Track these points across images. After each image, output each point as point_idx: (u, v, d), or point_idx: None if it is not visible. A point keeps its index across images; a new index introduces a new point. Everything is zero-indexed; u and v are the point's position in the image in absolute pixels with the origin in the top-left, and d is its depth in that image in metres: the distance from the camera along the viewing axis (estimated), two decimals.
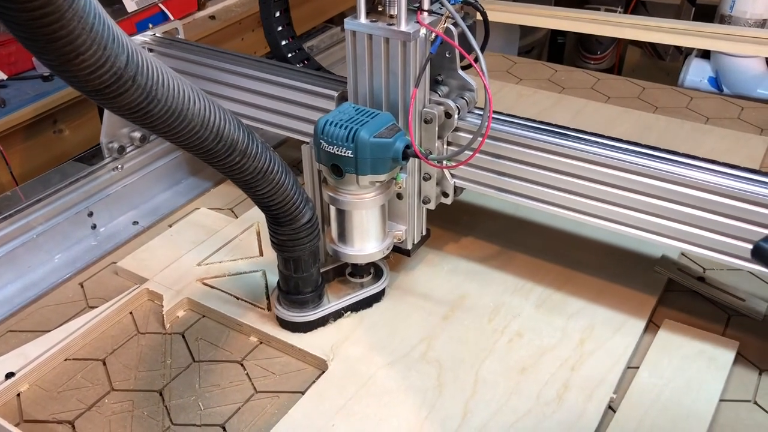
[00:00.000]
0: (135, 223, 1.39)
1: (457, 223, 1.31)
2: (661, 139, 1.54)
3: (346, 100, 1.10)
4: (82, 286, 1.22)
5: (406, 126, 1.03)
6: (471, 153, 1.00)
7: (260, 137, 0.92)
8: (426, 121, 1.06)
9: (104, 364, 1.07)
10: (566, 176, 1.04)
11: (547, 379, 1.01)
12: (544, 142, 1.04)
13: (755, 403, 0.99)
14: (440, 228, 1.29)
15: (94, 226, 1.35)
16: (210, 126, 0.83)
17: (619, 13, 2.48)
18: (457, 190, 1.15)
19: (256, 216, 1.31)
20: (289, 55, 1.50)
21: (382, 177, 1.00)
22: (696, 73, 1.94)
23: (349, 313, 1.12)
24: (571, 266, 1.21)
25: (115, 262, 1.26)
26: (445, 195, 1.14)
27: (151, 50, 1.37)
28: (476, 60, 0.96)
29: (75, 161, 1.41)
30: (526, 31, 2.59)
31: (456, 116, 1.06)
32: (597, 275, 1.18)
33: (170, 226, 1.36)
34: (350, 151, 0.96)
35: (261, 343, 1.10)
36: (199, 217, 1.37)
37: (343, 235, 1.08)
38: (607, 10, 2.44)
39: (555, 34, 2.83)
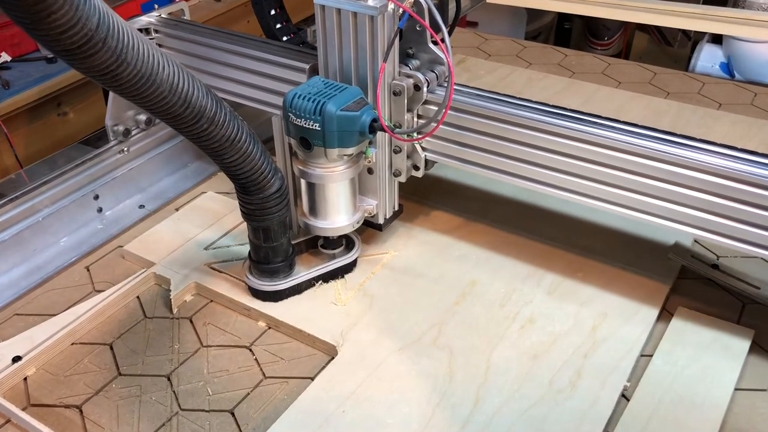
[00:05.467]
0: (141, 206, 1.37)
1: (463, 208, 1.30)
2: (673, 124, 1.53)
3: (318, 73, 1.10)
4: (88, 270, 1.21)
5: (375, 100, 1.03)
6: (435, 125, 1.00)
7: (229, 106, 0.92)
8: (395, 94, 1.06)
9: (111, 348, 1.06)
10: (546, 152, 1.04)
11: (559, 366, 1.00)
12: (514, 116, 1.04)
13: None
14: (446, 212, 1.28)
15: (100, 210, 1.34)
16: (178, 92, 0.83)
17: None
18: (428, 163, 1.16)
19: None
20: (284, 38, 1.47)
21: (350, 150, 1.01)
22: (707, 58, 1.92)
23: (320, 282, 1.14)
24: (582, 252, 1.19)
25: (121, 246, 1.24)
26: (416, 168, 1.15)
27: (156, 31, 1.35)
28: (443, 38, 0.96)
29: (80, 144, 1.39)
30: (532, 15, 2.57)
31: (425, 89, 1.07)
32: (609, 262, 1.17)
33: (177, 209, 1.34)
34: (317, 124, 0.97)
35: (269, 328, 1.09)
36: (206, 200, 1.36)
37: (313, 209, 1.10)
38: None
39: (562, 19, 2.80)
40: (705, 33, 1.98)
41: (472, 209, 1.30)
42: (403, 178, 1.15)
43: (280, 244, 1.07)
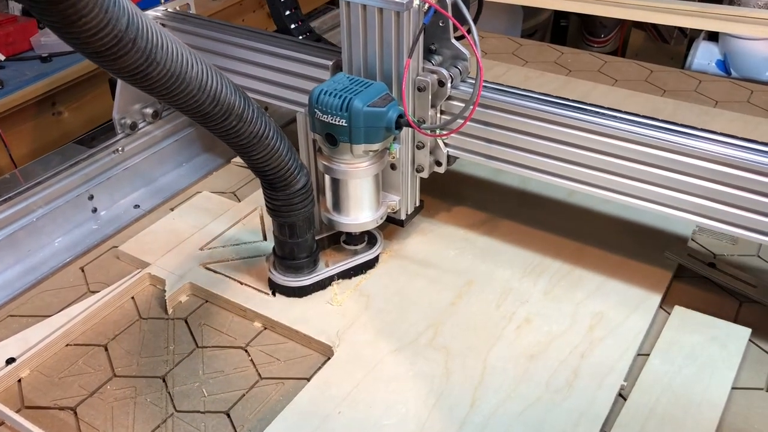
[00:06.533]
0: (136, 206, 1.37)
1: (464, 197, 1.30)
2: None
3: (341, 69, 1.11)
4: (82, 271, 1.20)
5: (400, 96, 1.04)
6: (462, 121, 1.00)
7: (256, 103, 0.93)
8: (419, 89, 1.07)
9: (106, 349, 1.05)
10: (565, 146, 1.05)
11: (556, 366, 0.99)
12: (537, 110, 1.04)
13: None
14: (453, 204, 1.28)
15: (94, 210, 1.33)
16: (207, 90, 0.84)
17: None
18: (450, 159, 1.16)
19: (259, 200, 1.29)
20: (292, 26, 1.50)
21: (376, 146, 1.01)
22: (704, 56, 1.91)
23: (339, 280, 1.14)
24: (581, 248, 1.19)
25: (116, 246, 1.24)
26: (438, 164, 1.15)
27: (163, 25, 1.34)
28: (469, 31, 0.97)
29: (75, 143, 1.38)
30: (528, 13, 2.56)
31: (449, 85, 1.07)
32: (606, 259, 1.17)
33: (172, 209, 1.34)
34: (344, 120, 0.98)
35: (265, 328, 1.08)
36: (202, 200, 1.35)
37: (337, 204, 1.10)
38: None
39: (558, 16, 2.79)
40: (701, 30, 1.97)
41: (473, 203, 1.30)
42: (425, 174, 1.15)
43: (304, 240, 1.08)
